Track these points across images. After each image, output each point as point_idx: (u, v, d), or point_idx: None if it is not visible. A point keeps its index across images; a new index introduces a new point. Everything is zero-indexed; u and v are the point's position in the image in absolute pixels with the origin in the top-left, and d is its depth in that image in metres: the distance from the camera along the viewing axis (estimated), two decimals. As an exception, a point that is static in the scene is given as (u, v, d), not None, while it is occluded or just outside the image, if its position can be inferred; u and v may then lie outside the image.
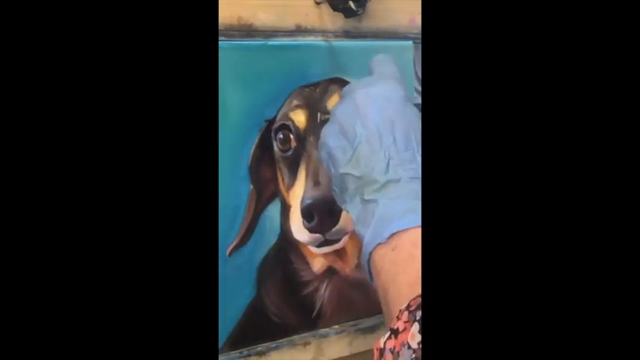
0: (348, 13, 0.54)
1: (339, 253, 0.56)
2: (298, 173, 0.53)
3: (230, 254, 0.51)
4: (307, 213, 0.51)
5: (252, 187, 0.52)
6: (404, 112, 0.43)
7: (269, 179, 0.53)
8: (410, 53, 0.58)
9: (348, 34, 0.55)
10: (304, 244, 0.53)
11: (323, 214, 0.51)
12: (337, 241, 0.53)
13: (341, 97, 0.47)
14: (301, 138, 0.53)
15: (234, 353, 0.51)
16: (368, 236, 0.41)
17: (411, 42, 0.58)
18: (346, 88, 0.47)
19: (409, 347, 0.36)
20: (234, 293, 0.51)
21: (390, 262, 0.40)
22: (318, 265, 0.55)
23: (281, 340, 0.53)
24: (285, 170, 0.53)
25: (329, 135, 0.45)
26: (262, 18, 0.51)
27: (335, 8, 0.54)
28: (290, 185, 0.53)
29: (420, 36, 0.58)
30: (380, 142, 0.42)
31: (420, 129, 0.43)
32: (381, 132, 0.42)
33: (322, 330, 0.56)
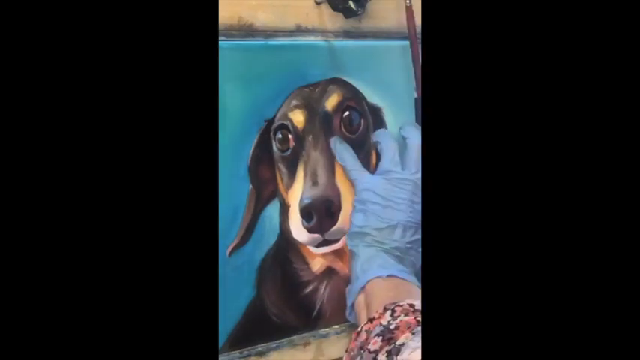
0: (348, 13, 0.54)
1: (339, 253, 0.56)
2: (297, 173, 0.53)
3: (230, 254, 0.51)
4: (306, 213, 0.51)
5: (251, 187, 0.52)
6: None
7: (268, 179, 0.53)
8: (410, 53, 0.58)
9: (348, 34, 0.55)
10: (303, 244, 0.53)
11: (322, 214, 0.51)
12: (336, 241, 0.53)
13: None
14: (300, 138, 0.53)
15: (234, 353, 0.51)
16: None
17: (410, 42, 0.58)
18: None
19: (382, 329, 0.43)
20: (234, 293, 0.51)
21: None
22: (317, 265, 0.55)
23: (281, 340, 0.53)
24: (283, 170, 0.53)
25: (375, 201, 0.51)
26: (262, 18, 0.51)
27: (335, 8, 0.54)
28: (289, 185, 0.53)
29: (420, 36, 0.57)
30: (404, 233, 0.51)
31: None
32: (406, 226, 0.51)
33: (322, 330, 0.56)
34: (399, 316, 0.43)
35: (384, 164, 0.54)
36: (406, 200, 0.51)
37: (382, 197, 0.51)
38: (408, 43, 0.57)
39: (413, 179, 0.52)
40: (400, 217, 0.51)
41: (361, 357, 0.43)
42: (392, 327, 0.43)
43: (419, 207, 0.51)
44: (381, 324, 0.44)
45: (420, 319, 0.43)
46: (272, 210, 0.53)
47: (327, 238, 0.52)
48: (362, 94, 0.56)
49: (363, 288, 0.49)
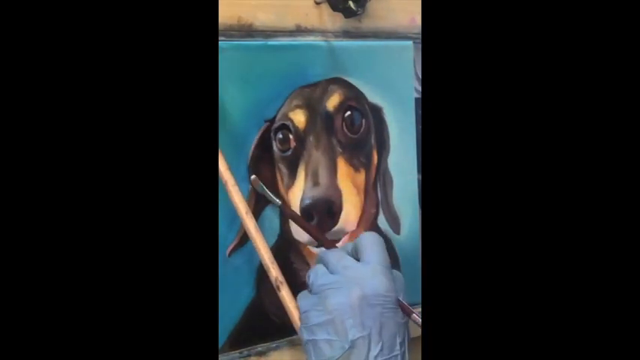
0: (348, 13, 0.54)
1: (339, 254, 0.56)
2: (297, 173, 0.53)
3: (230, 254, 0.51)
4: (306, 213, 0.51)
5: (251, 187, 0.52)
6: (394, 315, 0.44)
7: (268, 179, 0.53)
8: (410, 53, 0.58)
9: (348, 34, 0.55)
10: (304, 245, 0.53)
11: (322, 214, 0.51)
12: (337, 241, 0.53)
13: (330, 270, 0.46)
14: (301, 138, 0.53)
15: (234, 353, 0.51)
16: None
17: (410, 42, 0.58)
18: (334, 259, 0.46)
19: None
20: (234, 293, 0.51)
21: None
22: (317, 265, 0.55)
23: (281, 340, 0.53)
24: (284, 170, 0.53)
25: (319, 323, 0.43)
26: (262, 18, 0.51)
27: (335, 8, 0.54)
28: (289, 185, 0.53)
29: (420, 36, 0.57)
30: (368, 349, 0.42)
31: (405, 329, 0.44)
32: (372, 337, 0.42)
33: (322, 330, 0.55)
34: None
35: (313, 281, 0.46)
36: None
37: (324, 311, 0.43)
38: (407, 43, 0.57)
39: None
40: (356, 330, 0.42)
41: None
42: None
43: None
44: None
45: None
46: (272, 210, 0.53)
47: (327, 238, 0.52)
48: (363, 94, 0.56)
49: None
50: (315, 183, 0.52)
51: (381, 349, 0.42)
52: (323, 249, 0.50)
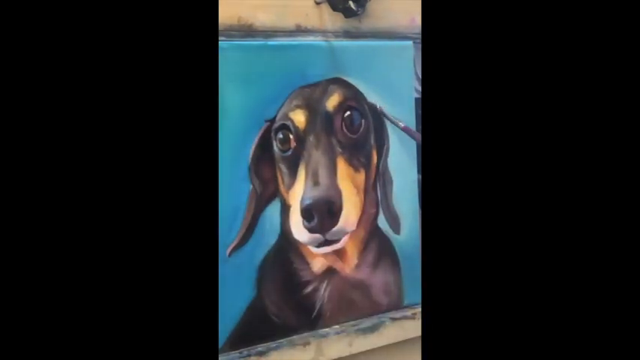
0: (348, 13, 0.54)
1: (339, 253, 0.56)
2: (298, 173, 0.53)
3: (230, 254, 0.51)
4: (307, 213, 0.51)
5: (252, 187, 0.52)
6: None
7: (269, 179, 0.53)
8: (410, 53, 0.58)
9: (348, 34, 0.55)
10: (304, 245, 0.53)
11: (323, 214, 0.51)
12: (337, 241, 0.53)
13: None
14: (301, 138, 0.53)
15: (234, 353, 0.51)
16: None
17: (410, 42, 0.58)
18: None
19: None
20: (234, 293, 0.51)
21: None
22: (318, 265, 0.55)
23: (281, 340, 0.53)
24: (284, 170, 0.53)
25: None
26: (262, 18, 0.51)
27: (335, 8, 0.54)
28: (290, 185, 0.53)
29: (420, 36, 0.58)
30: None
31: None
32: None
33: (322, 330, 0.56)
34: None
35: None
36: None
37: None
38: (407, 43, 0.58)
39: None
40: None
41: None
42: None
43: None
44: None
45: None
46: (273, 210, 0.53)
47: (328, 238, 0.52)
48: (362, 94, 0.56)
49: None
50: (316, 183, 0.52)
51: None
52: None
